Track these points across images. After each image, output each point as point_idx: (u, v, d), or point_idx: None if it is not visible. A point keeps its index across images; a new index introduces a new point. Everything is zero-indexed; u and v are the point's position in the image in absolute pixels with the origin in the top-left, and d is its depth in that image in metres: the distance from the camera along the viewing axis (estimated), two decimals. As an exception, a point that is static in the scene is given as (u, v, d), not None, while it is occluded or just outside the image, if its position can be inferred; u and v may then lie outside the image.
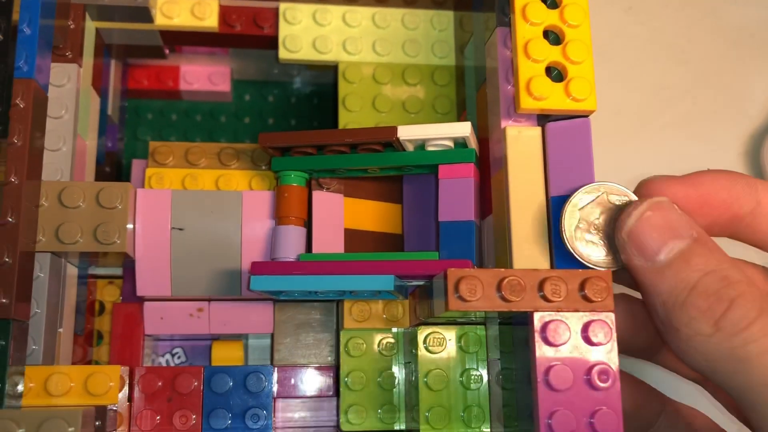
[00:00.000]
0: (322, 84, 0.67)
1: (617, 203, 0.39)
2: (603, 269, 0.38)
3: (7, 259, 0.39)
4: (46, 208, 0.44)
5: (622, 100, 0.73)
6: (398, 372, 0.49)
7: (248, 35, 0.55)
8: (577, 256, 0.38)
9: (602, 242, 0.39)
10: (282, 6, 0.54)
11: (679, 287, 0.36)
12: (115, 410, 0.43)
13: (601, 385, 0.37)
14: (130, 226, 0.45)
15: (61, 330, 0.46)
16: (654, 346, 0.44)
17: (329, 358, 0.51)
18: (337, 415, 0.49)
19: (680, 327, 0.36)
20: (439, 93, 0.54)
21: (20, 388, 0.40)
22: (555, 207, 0.40)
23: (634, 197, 0.39)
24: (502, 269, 0.38)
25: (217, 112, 0.66)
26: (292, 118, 0.67)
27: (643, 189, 0.40)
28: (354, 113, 0.53)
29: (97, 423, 0.40)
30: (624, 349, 0.40)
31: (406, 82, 0.54)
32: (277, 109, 0.67)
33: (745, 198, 0.40)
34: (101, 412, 0.40)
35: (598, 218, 0.39)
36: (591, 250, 0.38)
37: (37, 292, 0.43)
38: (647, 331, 0.42)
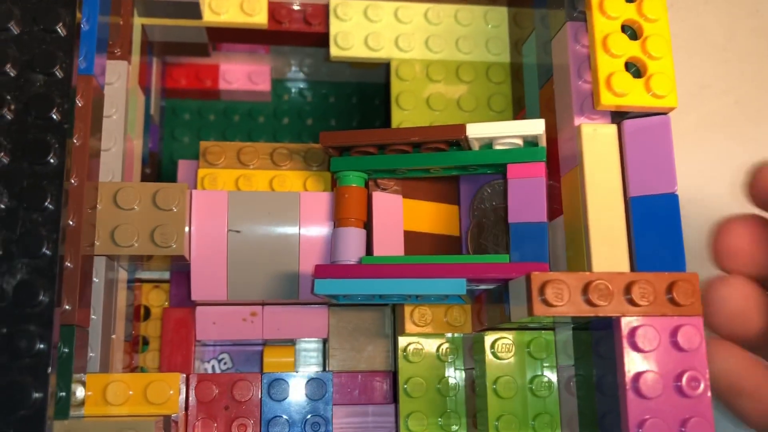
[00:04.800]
0: (362, 83, 0.65)
1: None
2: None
3: (69, 264, 0.37)
4: (101, 210, 0.42)
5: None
6: (457, 378, 0.47)
7: (297, 32, 0.54)
8: None
9: None
10: (333, 2, 0.52)
11: None
12: (177, 422, 0.41)
13: (692, 392, 0.36)
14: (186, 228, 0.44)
15: (114, 336, 0.44)
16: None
17: (385, 363, 0.49)
18: (396, 422, 0.48)
19: None
20: (494, 90, 0.52)
21: (80, 396, 0.39)
22: (635, 207, 0.39)
23: None
24: (587, 272, 0.36)
25: (256, 113, 0.65)
26: (331, 118, 0.65)
27: None
28: (407, 111, 0.51)
29: (160, 433, 0.38)
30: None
31: (460, 80, 0.52)
32: (316, 109, 0.65)
33: None
34: (167, 422, 0.38)
35: None
36: None
37: (94, 297, 0.41)
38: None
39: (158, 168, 0.61)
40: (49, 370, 0.32)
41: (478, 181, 0.49)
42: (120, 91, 0.46)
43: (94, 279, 0.42)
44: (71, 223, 0.37)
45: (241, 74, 0.63)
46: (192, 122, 0.64)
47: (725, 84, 0.72)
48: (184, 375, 0.44)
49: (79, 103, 0.39)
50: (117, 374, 0.40)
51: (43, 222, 0.33)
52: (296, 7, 0.53)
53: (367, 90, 0.65)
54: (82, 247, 0.38)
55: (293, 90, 0.65)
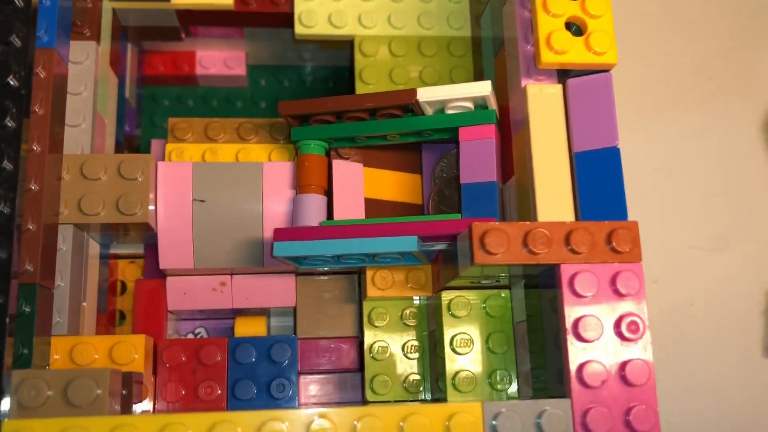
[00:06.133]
0: (337, 67, 0.66)
1: None
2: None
3: (31, 227, 0.39)
4: (68, 180, 0.44)
5: (638, 76, 0.72)
6: (422, 342, 0.48)
7: (263, 13, 0.55)
8: None
9: None
10: (297, -18, 0.54)
11: None
12: (141, 382, 0.43)
13: (632, 336, 0.37)
14: (151, 197, 0.45)
15: (84, 304, 0.46)
16: None
17: (353, 330, 0.50)
18: (362, 386, 0.49)
19: None
20: (455, 64, 0.54)
21: (46, 358, 0.40)
22: (579, 162, 0.40)
23: None
24: (528, 222, 0.37)
25: (233, 97, 0.66)
26: (308, 102, 0.67)
27: None
28: (371, 86, 0.53)
29: (123, 392, 0.40)
30: None
31: (422, 54, 0.54)
32: (293, 93, 0.67)
33: None
34: (127, 379, 0.40)
35: None
36: None
37: (61, 264, 0.43)
38: None
39: (136, 153, 0.62)
40: (7, 320, 0.33)
41: (439, 151, 0.50)
42: (89, 70, 0.48)
43: (62, 247, 0.43)
44: (33, 187, 0.39)
45: (217, 59, 0.64)
46: (171, 108, 0.66)
47: (699, 60, 0.73)
48: (152, 339, 0.45)
49: (40, 74, 0.40)
50: (83, 336, 0.42)
51: (0, 182, 0.35)
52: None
53: (342, 74, 0.67)
54: (46, 215, 0.40)
55: (270, 75, 0.67)
